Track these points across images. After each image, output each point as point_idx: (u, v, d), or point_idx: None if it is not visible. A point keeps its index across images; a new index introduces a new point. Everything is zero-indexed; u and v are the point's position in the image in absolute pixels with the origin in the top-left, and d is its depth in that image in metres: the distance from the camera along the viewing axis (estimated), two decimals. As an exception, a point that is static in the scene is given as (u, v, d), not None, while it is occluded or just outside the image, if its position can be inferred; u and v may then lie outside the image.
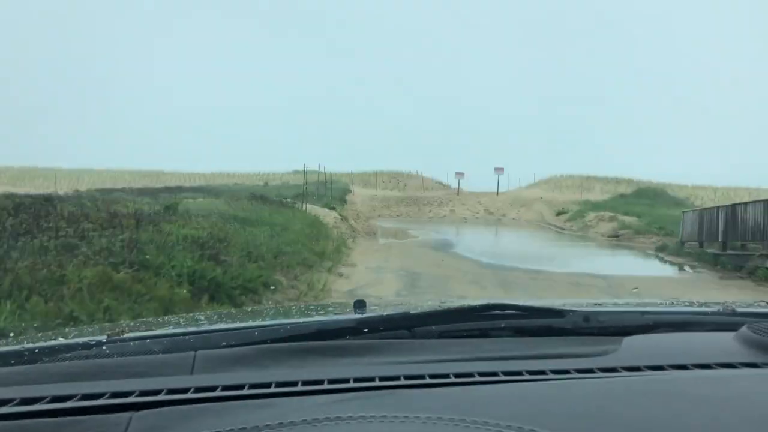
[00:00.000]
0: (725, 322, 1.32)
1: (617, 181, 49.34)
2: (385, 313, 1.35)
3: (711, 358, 1.02)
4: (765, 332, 1.08)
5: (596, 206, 33.79)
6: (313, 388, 0.88)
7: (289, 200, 23.00)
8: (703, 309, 1.53)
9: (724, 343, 1.11)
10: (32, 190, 18.96)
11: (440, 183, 51.62)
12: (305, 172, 27.08)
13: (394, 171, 53.71)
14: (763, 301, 1.76)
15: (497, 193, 44.60)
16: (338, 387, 0.89)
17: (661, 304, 1.81)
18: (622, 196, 39.75)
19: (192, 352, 1.03)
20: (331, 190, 35.24)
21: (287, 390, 0.88)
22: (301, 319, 1.49)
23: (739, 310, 1.43)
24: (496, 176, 45.77)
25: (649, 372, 0.97)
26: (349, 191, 40.52)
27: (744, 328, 1.13)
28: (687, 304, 1.74)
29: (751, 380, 0.93)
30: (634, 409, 0.79)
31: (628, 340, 1.13)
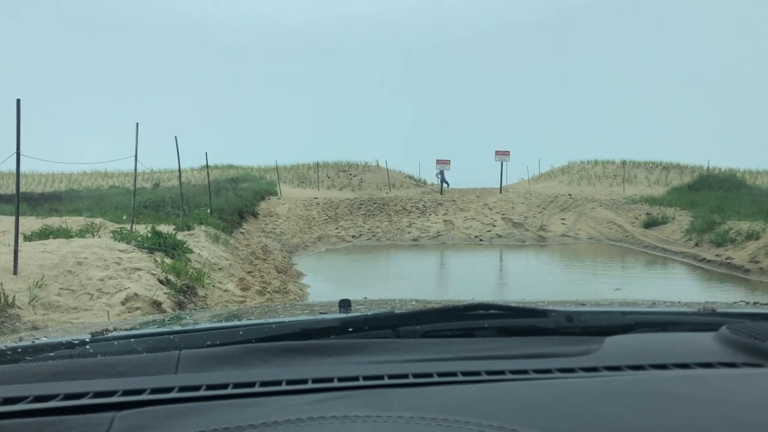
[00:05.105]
0: (705, 322, 1.31)
1: (664, 167, 34.83)
2: (369, 313, 1.36)
3: (690, 358, 1.02)
4: (744, 332, 1.09)
5: (669, 203, 22.97)
6: (297, 388, 0.88)
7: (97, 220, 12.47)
8: (684, 309, 1.54)
9: (703, 343, 1.11)
10: None
11: (411, 177, 35.60)
12: (207, 166, 18.93)
13: (344, 162, 37.17)
14: (743, 302, 1.90)
15: (501, 189, 29.02)
16: (322, 386, 0.88)
17: (643, 304, 1.79)
18: (689, 187, 28.58)
19: (176, 352, 1.02)
20: (232, 193, 19.75)
21: (271, 389, 0.87)
22: (286, 319, 1.50)
23: (719, 310, 1.43)
24: (499, 164, 30.08)
25: (629, 371, 0.97)
26: (273, 193, 27.12)
27: (723, 329, 1.13)
28: (668, 304, 1.75)
29: (728, 380, 0.94)
30: (615, 409, 0.80)
31: (609, 340, 1.12)
